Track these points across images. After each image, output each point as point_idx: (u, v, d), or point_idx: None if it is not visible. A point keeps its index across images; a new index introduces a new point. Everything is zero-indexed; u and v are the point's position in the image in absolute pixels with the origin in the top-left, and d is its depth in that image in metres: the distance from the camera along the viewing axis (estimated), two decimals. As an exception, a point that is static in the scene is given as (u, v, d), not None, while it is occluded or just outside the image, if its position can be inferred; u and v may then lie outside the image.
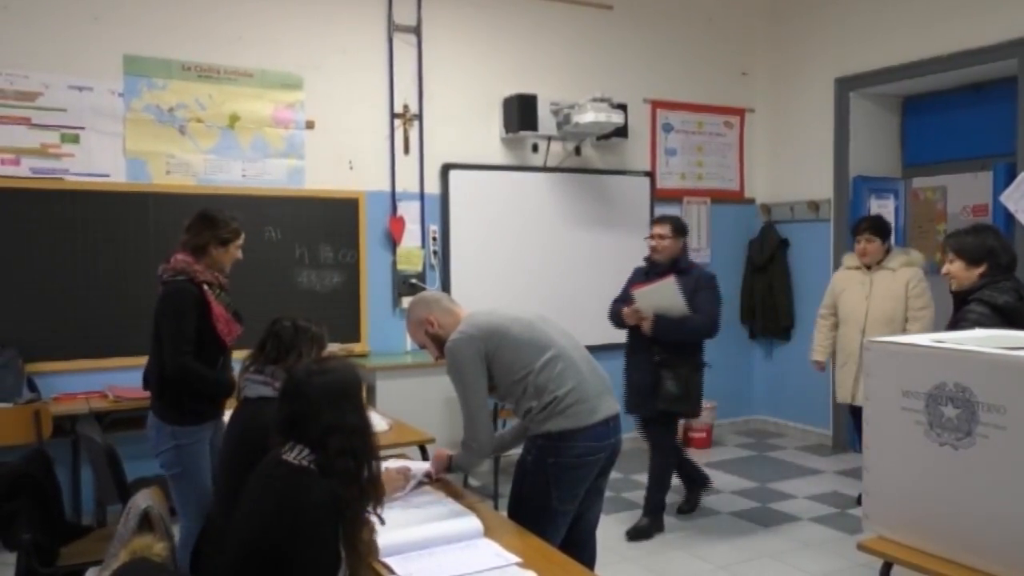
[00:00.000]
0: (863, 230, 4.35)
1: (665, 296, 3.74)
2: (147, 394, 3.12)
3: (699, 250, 6.19)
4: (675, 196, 6.15)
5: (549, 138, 5.52)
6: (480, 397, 2.39)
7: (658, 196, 6.06)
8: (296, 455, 1.74)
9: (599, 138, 5.65)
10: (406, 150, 5.18)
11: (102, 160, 4.40)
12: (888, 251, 4.36)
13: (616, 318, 3.95)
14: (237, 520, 1.79)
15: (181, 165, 4.57)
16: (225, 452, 2.37)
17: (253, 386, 2.35)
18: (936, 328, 3.79)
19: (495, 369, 2.42)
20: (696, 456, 5.18)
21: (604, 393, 2.51)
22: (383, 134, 5.15)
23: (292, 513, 1.66)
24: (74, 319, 4.35)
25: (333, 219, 4.97)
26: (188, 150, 4.59)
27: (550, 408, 2.40)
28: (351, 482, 1.72)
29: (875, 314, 4.22)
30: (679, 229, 3.94)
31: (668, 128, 6.17)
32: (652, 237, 3.93)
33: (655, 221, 4.01)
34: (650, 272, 3.92)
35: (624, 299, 3.96)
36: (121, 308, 4.43)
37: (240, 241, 3.07)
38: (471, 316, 2.54)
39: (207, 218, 3.01)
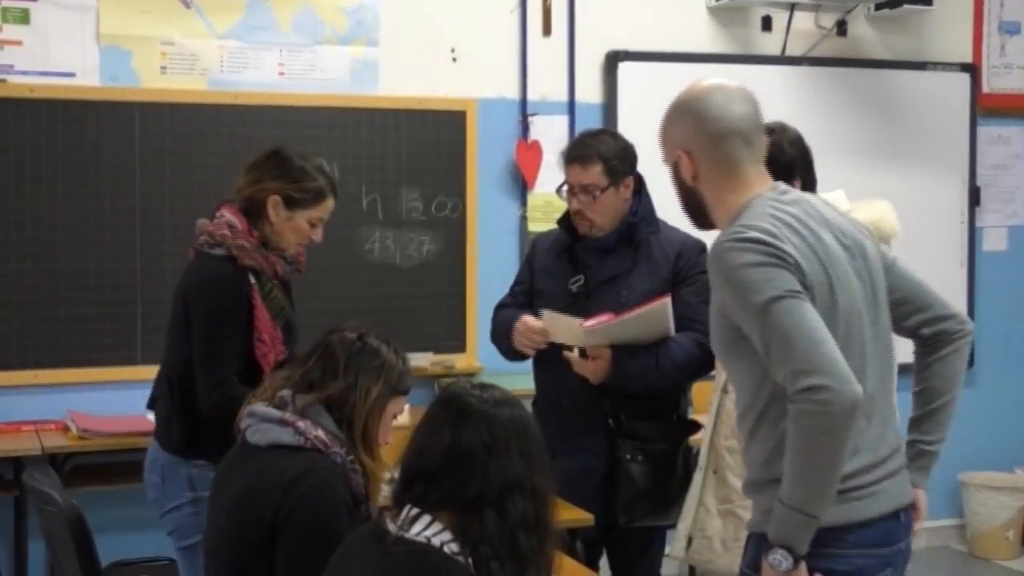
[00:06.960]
0: None
1: (648, 325, 3.33)
2: (143, 423, 3.20)
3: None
4: (1019, 108, 5.75)
5: (792, 6, 5.28)
6: (809, 312, 2.15)
7: (984, 106, 5.66)
8: (423, 529, 1.76)
9: (879, 6, 5.40)
10: (546, 30, 5.04)
11: (63, 51, 4.43)
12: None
13: (508, 343, 3.52)
14: None
15: (185, 58, 4.59)
16: (217, 528, 2.37)
17: (262, 425, 2.31)
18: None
19: None
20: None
21: (895, 455, 2.34)
22: (508, 4, 5.00)
23: None
24: (17, 307, 4.34)
25: (425, 146, 4.87)
26: (196, 33, 4.61)
27: None
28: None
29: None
30: (614, 167, 3.38)
31: (1008, -14, 5.82)
32: (574, 191, 3.45)
33: (571, 159, 3.47)
34: (574, 250, 3.48)
35: (527, 303, 3.55)
36: (91, 290, 4.40)
37: (319, 212, 3.09)
38: (779, 207, 2.23)
39: (277, 158, 3.09)
